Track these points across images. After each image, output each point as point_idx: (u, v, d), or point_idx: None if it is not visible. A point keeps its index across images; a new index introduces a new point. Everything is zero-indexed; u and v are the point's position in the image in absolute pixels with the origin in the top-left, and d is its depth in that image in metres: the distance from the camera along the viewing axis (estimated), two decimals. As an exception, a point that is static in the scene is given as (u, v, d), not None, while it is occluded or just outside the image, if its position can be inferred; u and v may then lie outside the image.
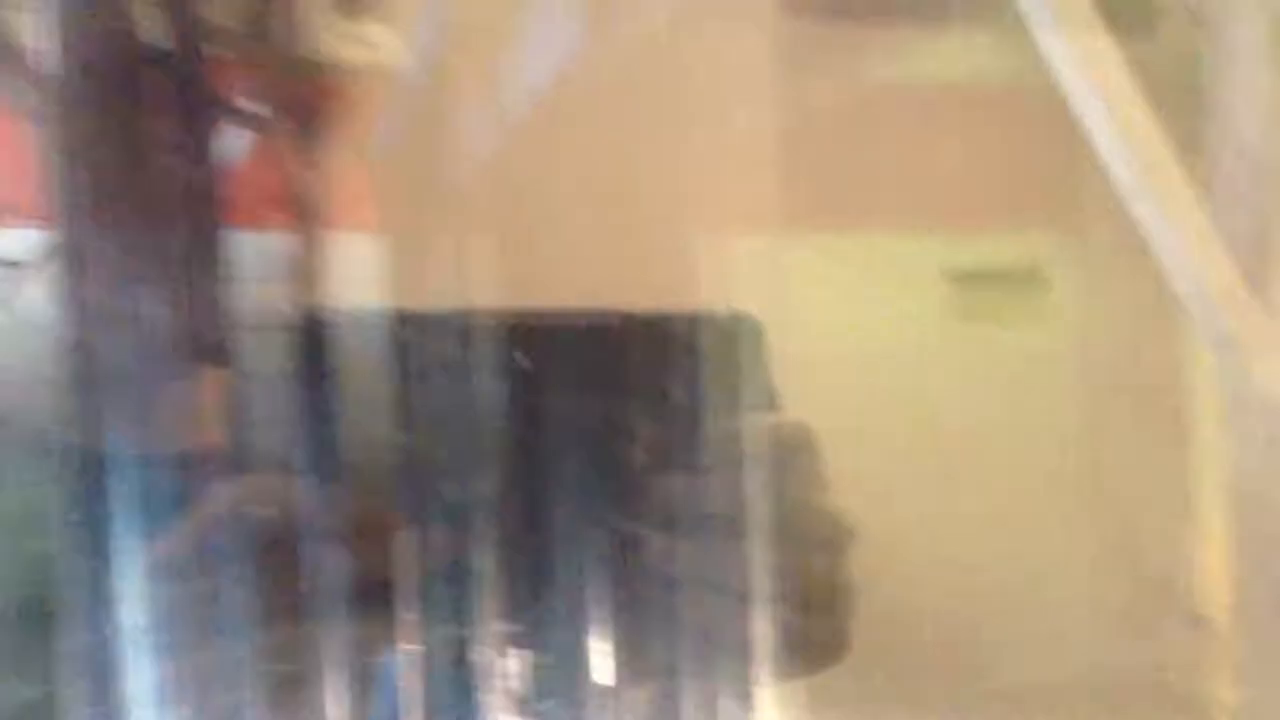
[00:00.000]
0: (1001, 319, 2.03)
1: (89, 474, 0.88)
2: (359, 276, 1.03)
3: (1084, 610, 1.30)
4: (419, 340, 0.84)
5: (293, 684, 0.76)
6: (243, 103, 1.13)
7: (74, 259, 1.34)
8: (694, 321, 0.83)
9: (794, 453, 0.87)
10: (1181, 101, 0.91)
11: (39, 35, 1.33)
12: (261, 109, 1.16)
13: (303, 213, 0.94)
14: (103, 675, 0.79)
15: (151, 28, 1.31)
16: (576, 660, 0.85)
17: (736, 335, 0.85)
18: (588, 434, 0.83)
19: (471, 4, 1.90)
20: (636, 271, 1.31)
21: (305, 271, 0.96)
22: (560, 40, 1.59)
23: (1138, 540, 1.13)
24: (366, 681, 0.78)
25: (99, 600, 0.80)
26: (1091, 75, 0.81)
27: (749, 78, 1.29)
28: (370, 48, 2.42)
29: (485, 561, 0.89)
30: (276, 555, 0.80)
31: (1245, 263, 0.84)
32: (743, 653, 0.80)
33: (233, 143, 1.22)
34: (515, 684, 0.80)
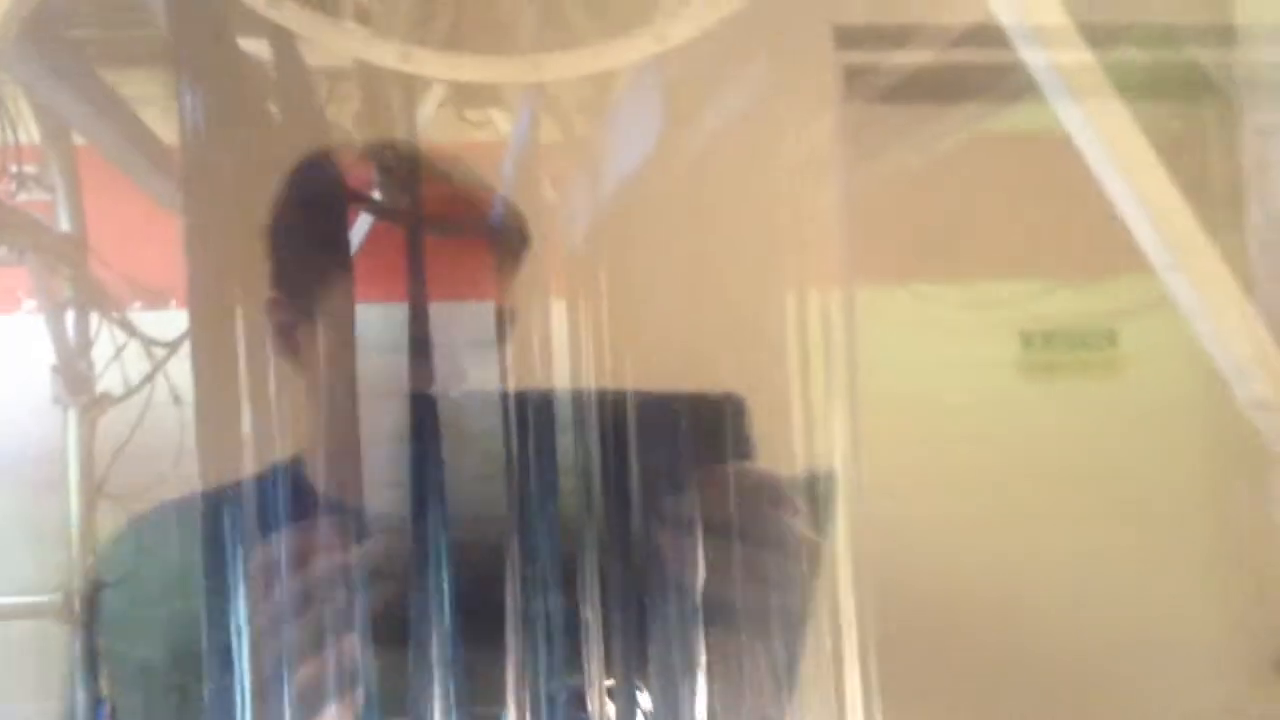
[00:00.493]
0: (1073, 373, 2.05)
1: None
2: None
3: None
4: (529, 415, 0.95)
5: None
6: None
7: (206, 339, 1.47)
8: (728, 400, 0.97)
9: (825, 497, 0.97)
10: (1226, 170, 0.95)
11: (187, 137, 1.48)
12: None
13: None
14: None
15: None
16: (676, 705, 0.93)
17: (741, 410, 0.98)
18: (667, 497, 0.93)
19: (567, 90, 2.02)
20: (722, 335, 1.40)
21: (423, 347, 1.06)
22: (646, 127, 1.69)
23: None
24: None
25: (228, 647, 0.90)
26: (1108, 145, 0.86)
27: (817, 153, 1.36)
28: (487, 128, 2.57)
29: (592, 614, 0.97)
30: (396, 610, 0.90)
31: (1278, 332, 0.87)
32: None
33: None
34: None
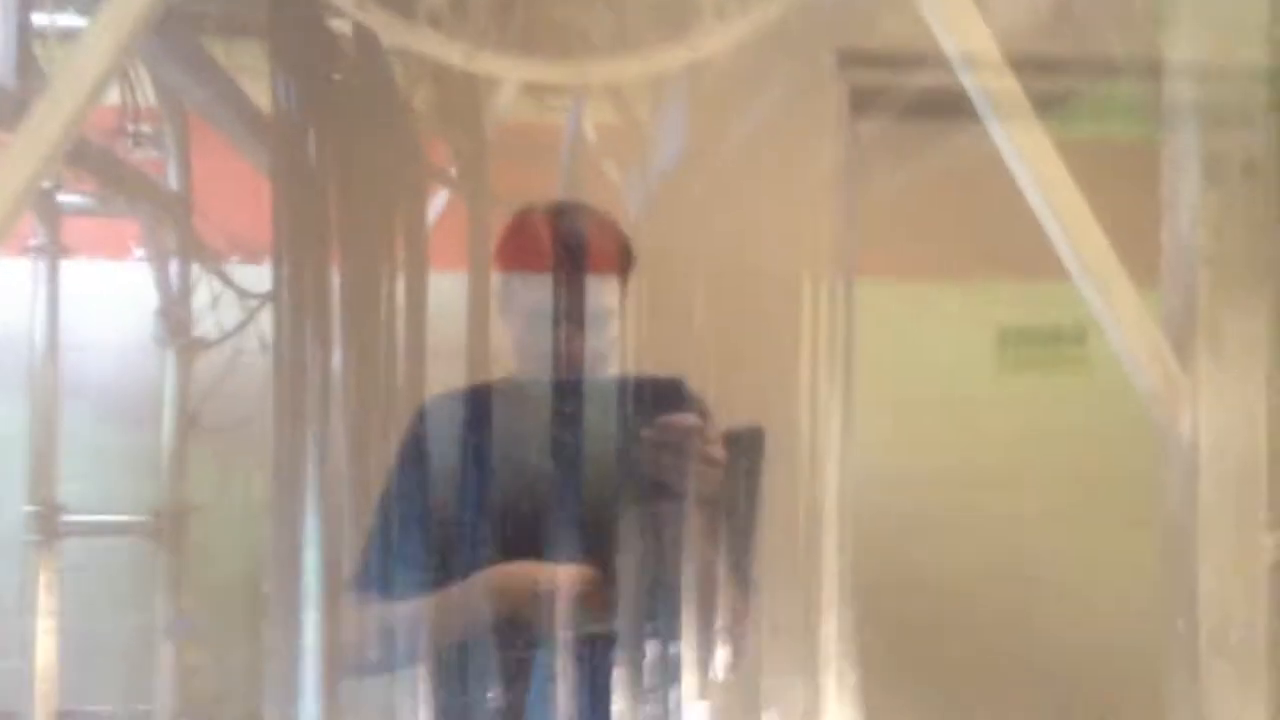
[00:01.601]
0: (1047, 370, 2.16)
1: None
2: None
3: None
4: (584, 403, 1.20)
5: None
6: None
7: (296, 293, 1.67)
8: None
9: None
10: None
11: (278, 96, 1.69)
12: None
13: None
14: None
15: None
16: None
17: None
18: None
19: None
20: (745, 314, 1.58)
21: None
22: (679, 133, 1.85)
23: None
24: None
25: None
26: (1026, 162, 1.00)
27: (823, 167, 1.51)
28: (553, 112, 2.76)
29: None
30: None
31: (1178, 333, 1.01)
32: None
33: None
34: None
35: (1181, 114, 0.97)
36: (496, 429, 1.25)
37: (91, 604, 3.09)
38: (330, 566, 1.71)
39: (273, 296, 1.58)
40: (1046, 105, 1.25)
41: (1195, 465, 0.97)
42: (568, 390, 1.23)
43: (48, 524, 2.70)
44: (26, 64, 1.84)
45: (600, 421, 1.21)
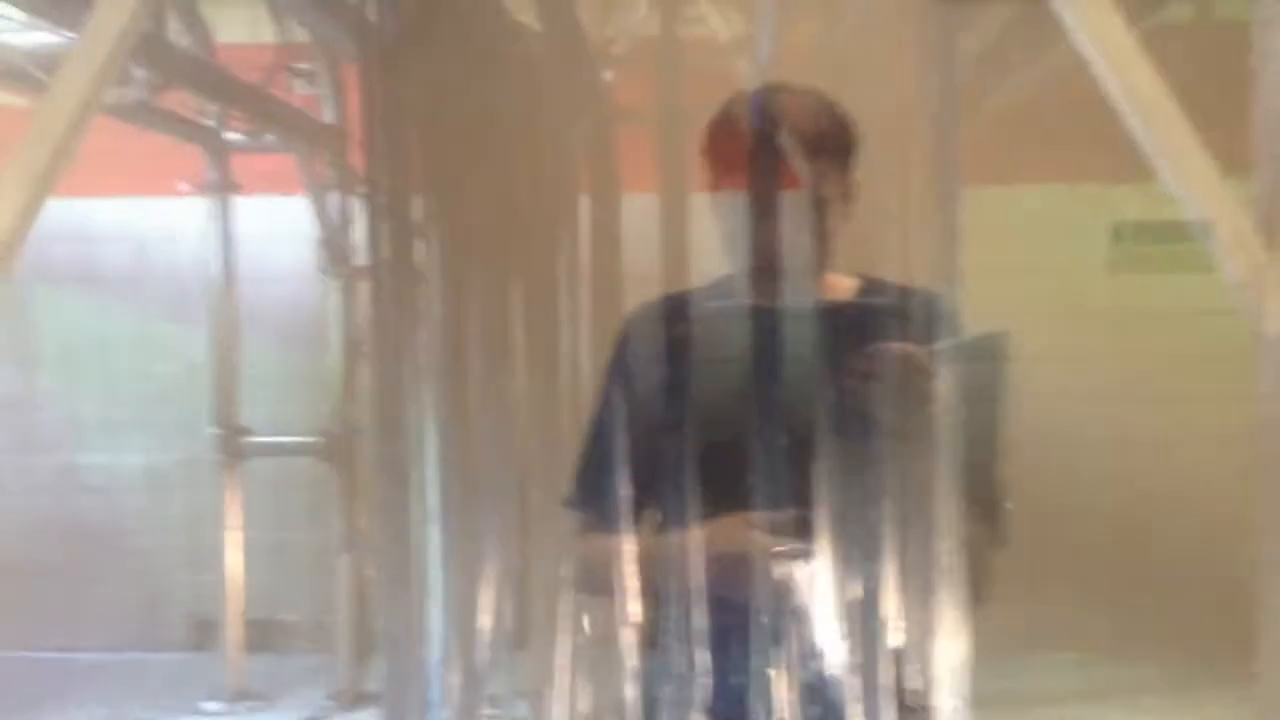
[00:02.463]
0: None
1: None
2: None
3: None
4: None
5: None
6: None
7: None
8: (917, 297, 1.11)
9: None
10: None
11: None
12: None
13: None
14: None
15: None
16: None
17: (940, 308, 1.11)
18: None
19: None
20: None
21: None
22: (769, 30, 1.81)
23: None
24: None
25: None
26: (1095, 39, 0.93)
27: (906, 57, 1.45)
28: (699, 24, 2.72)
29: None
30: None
31: (1268, 216, 0.93)
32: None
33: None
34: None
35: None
36: (705, 342, 1.14)
37: (276, 519, 3.31)
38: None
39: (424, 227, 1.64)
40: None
41: (1286, 357, 0.90)
42: (784, 300, 1.11)
43: (231, 445, 2.90)
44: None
45: (825, 337, 1.09)
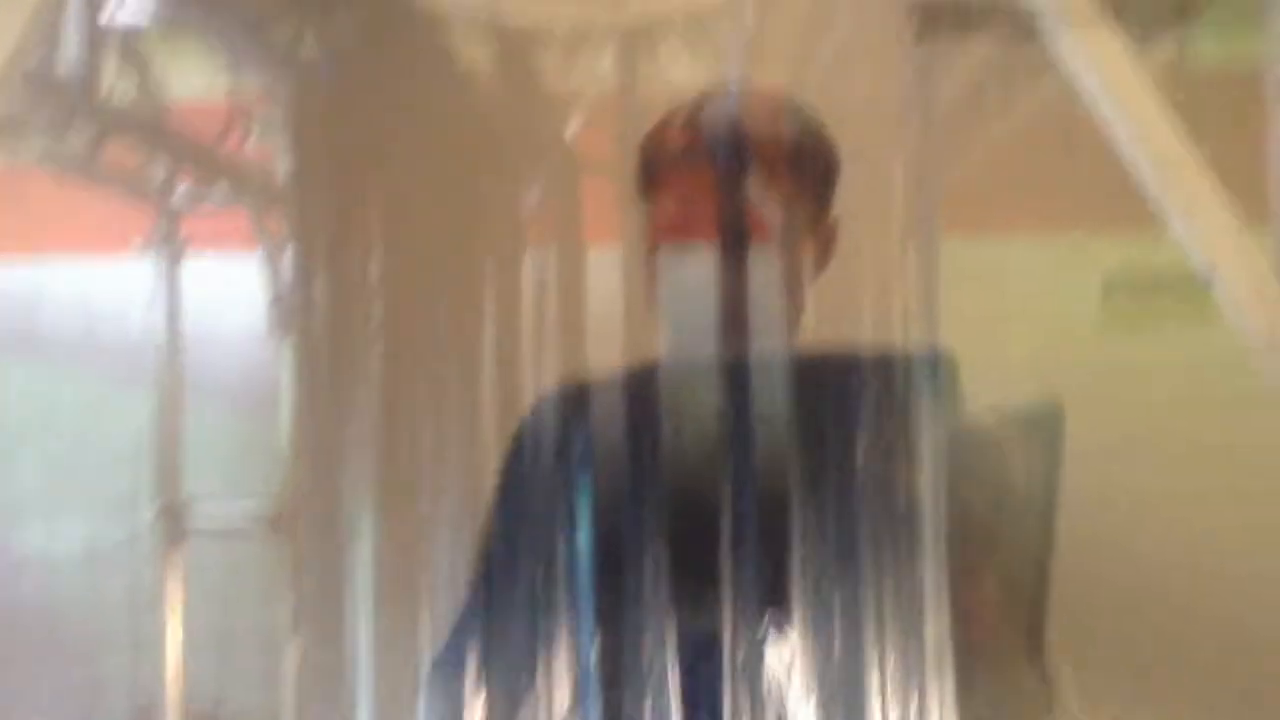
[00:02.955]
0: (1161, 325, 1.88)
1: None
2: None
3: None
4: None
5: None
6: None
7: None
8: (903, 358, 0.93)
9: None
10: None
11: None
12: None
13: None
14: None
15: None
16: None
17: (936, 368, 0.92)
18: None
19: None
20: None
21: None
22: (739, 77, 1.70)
23: None
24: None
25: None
26: (1100, 76, 0.82)
27: (890, 97, 1.35)
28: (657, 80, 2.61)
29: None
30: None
31: (1289, 263, 0.81)
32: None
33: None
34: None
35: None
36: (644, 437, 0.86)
37: (224, 597, 3.15)
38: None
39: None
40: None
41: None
42: (743, 373, 0.86)
43: (171, 520, 2.74)
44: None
45: (810, 418, 0.85)
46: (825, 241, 0.93)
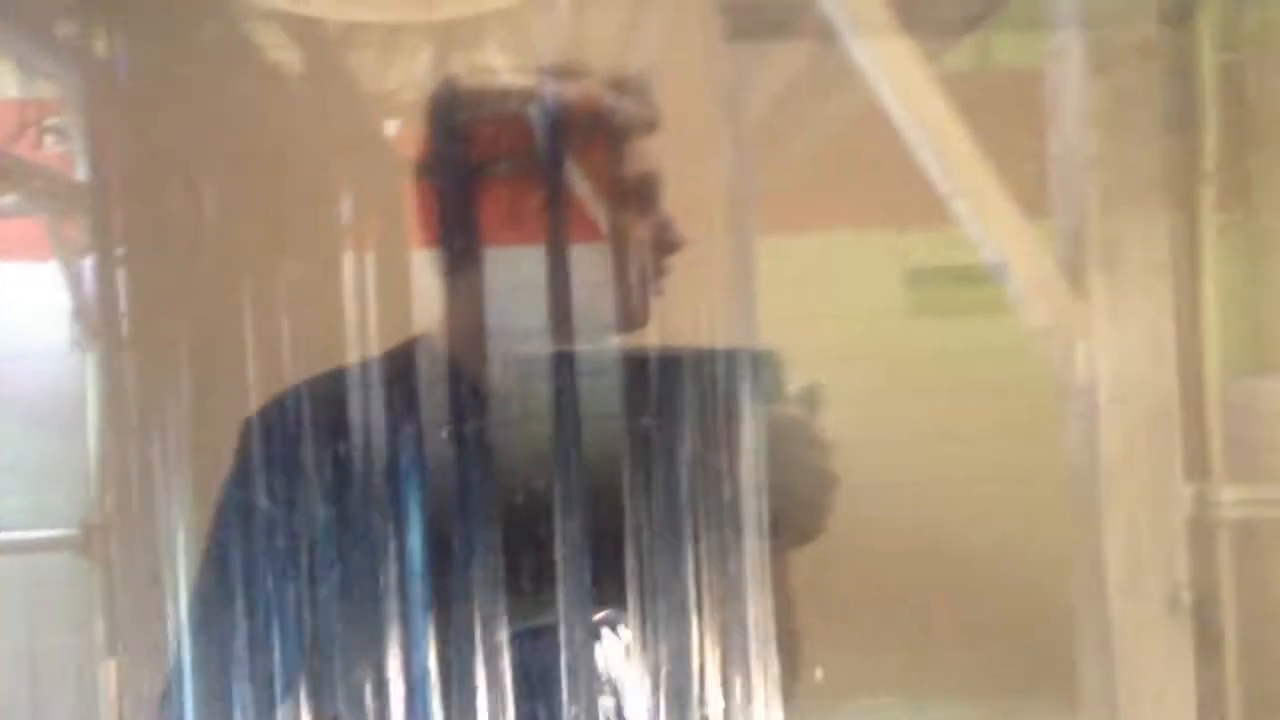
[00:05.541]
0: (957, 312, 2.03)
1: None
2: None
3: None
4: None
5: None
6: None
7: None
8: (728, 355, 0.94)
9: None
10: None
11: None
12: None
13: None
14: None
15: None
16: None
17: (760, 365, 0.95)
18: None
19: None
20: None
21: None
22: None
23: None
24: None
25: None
26: (892, 78, 0.86)
27: (702, 96, 1.36)
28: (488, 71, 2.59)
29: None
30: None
31: (1070, 256, 0.87)
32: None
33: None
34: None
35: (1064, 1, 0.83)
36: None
37: (30, 623, 2.99)
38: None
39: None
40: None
41: (1095, 407, 0.83)
42: (569, 372, 0.85)
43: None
44: None
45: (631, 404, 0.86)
46: (661, 236, 0.93)
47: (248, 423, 0.90)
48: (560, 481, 0.87)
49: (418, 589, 0.83)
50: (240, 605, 0.87)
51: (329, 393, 0.90)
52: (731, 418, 0.91)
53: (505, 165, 0.91)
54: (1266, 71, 1.61)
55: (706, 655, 0.90)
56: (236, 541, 0.89)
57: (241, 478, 0.88)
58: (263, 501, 0.89)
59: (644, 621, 0.90)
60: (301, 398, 0.93)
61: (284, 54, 1.86)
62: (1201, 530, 0.99)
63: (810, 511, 0.92)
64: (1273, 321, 2.00)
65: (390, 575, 0.84)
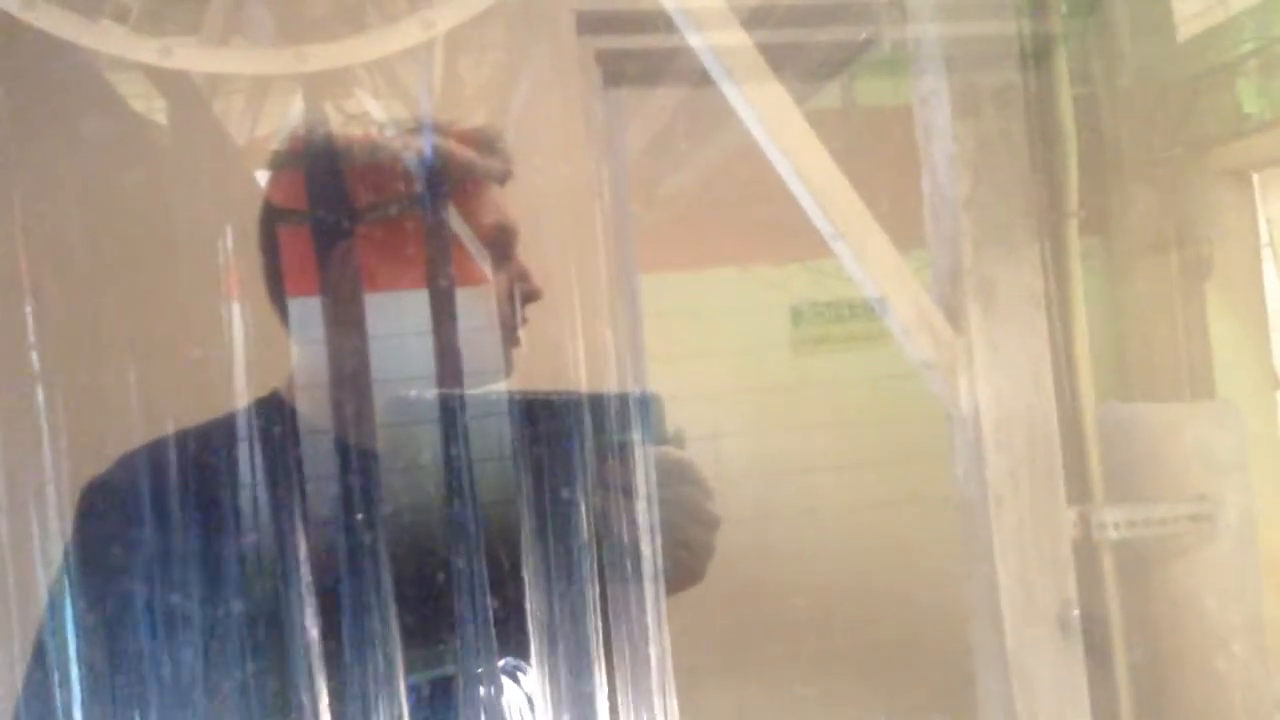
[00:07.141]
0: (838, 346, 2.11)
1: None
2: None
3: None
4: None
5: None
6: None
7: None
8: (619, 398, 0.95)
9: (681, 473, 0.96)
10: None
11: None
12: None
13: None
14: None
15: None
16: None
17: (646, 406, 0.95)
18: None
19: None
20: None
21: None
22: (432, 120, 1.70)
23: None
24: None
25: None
26: (768, 124, 0.88)
27: (576, 141, 1.37)
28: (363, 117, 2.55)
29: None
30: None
31: (948, 292, 0.89)
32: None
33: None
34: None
35: (929, 47, 0.85)
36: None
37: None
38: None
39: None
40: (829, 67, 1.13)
41: (979, 436, 0.86)
42: (455, 417, 0.84)
43: None
44: None
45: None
46: (518, 287, 0.93)
47: (88, 488, 0.86)
48: (455, 531, 0.87)
49: (301, 647, 0.81)
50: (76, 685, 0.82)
51: (182, 452, 0.87)
52: (625, 460, 0.92)
53: (374, 213, 0.91)
54: (1118, 106, 1.68)
55: (613, 698, 0.90)
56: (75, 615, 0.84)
57: (80, 548, 0.83)
58: (101, 572, 0.85)
59: (545, 667, 0.89)
60: (142, 462, 0.89)
61: (149, 103, 1.82)
62: (1086, 551, 1.03)
63: (694, 553, 0.93)
64: (1134, 347, 2.08)
65: (273, 637, 0.82)
